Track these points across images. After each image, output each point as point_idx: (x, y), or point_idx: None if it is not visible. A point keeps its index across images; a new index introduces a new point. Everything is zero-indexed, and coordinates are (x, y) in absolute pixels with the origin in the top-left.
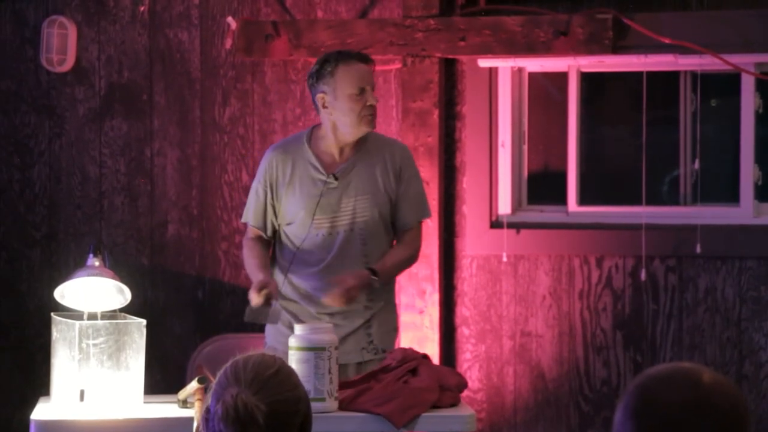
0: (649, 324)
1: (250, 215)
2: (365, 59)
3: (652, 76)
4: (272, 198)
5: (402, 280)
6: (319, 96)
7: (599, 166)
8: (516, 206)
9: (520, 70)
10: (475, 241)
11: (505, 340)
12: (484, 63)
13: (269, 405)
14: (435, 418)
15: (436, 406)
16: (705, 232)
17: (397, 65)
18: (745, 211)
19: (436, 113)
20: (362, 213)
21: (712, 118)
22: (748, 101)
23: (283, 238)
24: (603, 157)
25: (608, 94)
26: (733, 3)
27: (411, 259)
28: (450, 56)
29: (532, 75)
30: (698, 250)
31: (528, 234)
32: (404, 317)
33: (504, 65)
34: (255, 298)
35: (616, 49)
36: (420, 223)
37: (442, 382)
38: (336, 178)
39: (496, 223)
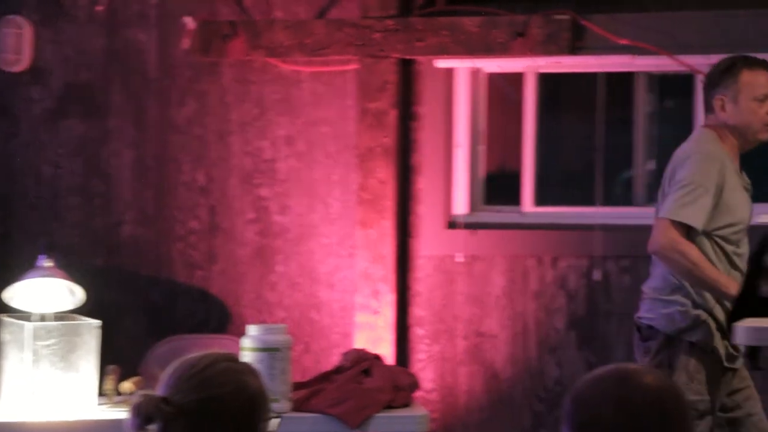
0: (603, 324)
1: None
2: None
3: (609, 76)
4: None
5: (357, 281)
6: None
7: (555, 166)
8: (472, 207)
9: (478, 70)
10: (430, 242)
11: (459, 340)
12: (442, 63)
13: (186, 404)
14: (388, 419)
15: (389, 407)
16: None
17: (355, 66)
18: None
19: (393, 114)
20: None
21: (668, 119)
22: (701, 103)
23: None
24: (559, 157)
25: (565, 95)
26: (690, 4)
27: None
28: (408, 57)
29: (489, 76)
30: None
31: (484, 234)
32: (359, 318)
33: (461, 66)
34: None
35: (574, 50)
36: None
37: (395, 383)
38: (749, 184)
39: (452, 224)
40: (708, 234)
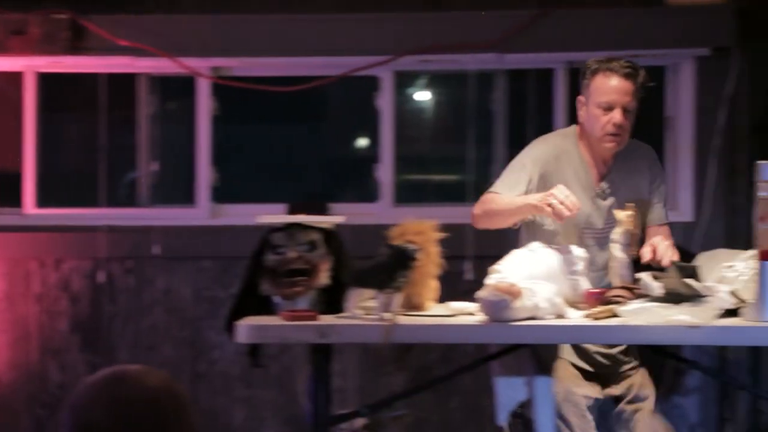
0: (107, 325)
1: (506, 187)
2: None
3: (112, 77)
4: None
5: None
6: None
7: (59, 167)
8: None
9: None
10: None
11: None
12: None
13: None
14: None
15: None
16: (163, 233)
17: None
18: (201, 213)
19: None
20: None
21: (170, 121)
22: (205, 104)
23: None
24: (62, 158)
25: (68, 95)
26: (190, 7)
27: None
28: None
29: None
30: (156, 251)
31: None
32: None
33: None
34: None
35: (74, 50)
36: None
37: None
38: (604, 191)
39: None
40: (541, 232)
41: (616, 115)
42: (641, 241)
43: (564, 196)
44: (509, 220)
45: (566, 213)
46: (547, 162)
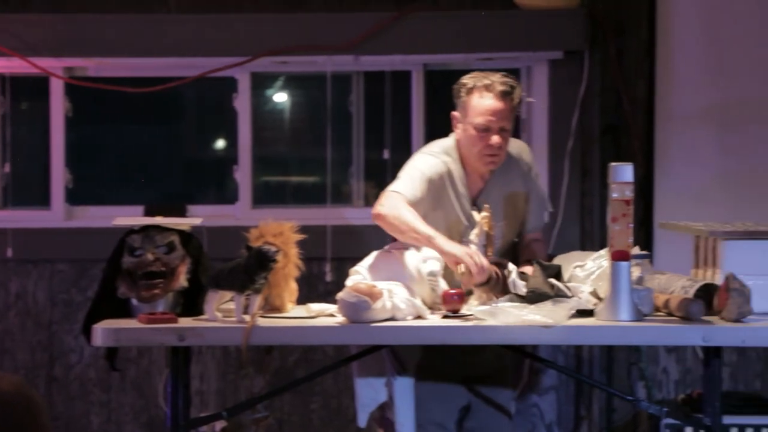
0: None
1: (409, 190)
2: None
3: None
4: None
5: None
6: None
7: None
8: None
9: None
10: None
11: None
12: None
13: None
14: None
15: None
16: (16, 236)
17: None
18: (56, 215)
19: None
20: (500, 238)
21: (23, 121)
22: (58, 105)
23: None
24: None
25: None
26: (43, 6)
27: None
28: None
29: None
30: (9, 254)
31: None
32: None
33: None
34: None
35: None
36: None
37: None
38: (479, 210)
39: None
40: None
41: (494, 138)
42: (515, 249)
43: (479, 260)
44: (407, 240)
45: (476, 278)
46: (437, 179)
